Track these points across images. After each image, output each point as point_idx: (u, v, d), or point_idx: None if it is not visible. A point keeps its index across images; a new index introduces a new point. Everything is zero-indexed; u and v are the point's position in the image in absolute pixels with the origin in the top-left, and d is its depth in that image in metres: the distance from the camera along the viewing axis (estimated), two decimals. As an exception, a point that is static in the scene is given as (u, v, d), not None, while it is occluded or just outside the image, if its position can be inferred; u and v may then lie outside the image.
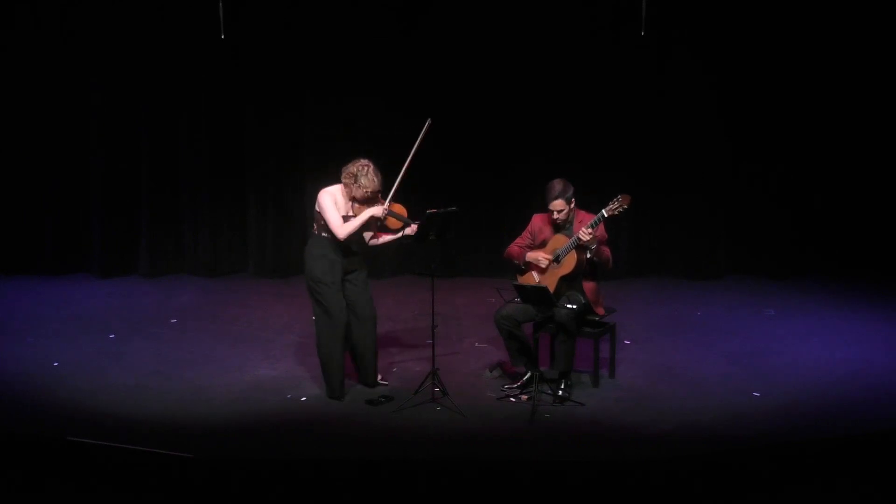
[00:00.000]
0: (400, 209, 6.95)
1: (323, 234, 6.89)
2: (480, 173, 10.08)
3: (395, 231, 6.99)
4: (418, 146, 6.86)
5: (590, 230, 6.78)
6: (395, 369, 7.48)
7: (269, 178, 10.43)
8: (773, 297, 9.47)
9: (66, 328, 8.59)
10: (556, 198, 6.96)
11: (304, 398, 6.99)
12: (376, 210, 6.84)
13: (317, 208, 6.88)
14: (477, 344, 8.15)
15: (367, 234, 7.00)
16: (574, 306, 6.85)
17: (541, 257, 7.04)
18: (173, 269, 10.54)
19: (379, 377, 7.20)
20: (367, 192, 6.79)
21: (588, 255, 6.92)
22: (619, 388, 7.16)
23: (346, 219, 6.83)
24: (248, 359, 7.82)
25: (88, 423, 6.48)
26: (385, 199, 6.88)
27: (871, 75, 9.82)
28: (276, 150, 10.36)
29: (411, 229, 6.86)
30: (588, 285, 7.06)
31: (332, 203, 6.83)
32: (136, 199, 10.41)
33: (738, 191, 10.17)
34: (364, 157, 6.85)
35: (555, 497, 5.67)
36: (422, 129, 6.86)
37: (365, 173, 6.78)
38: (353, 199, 6.85)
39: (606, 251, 7.01)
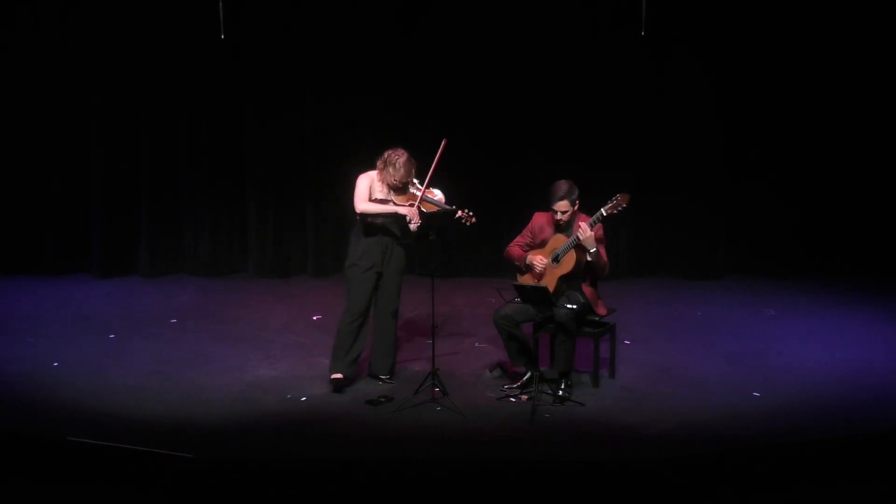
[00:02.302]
0: (436, 194, 7.04)
1: (360, 219, 7.01)
2: (481, 173, 10.08)
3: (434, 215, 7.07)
4: (437, 161, 6.94)
5: (588, 228, 6.76)
6: (395, 368, 7.47)
7: (269, 179, 10.43)
8: (773, 297, 9.47)
9: (66, 328, 8.59)
10: (562, 199, 6.94)
11: (304, 398, 6.99)
12: (404, 210, 6.92)
13: None
14: (477, 344, 8.14)
15: (413, 225, 7.09)
16: (574, 306, 6.85)
17: (537, 261, 7.03)
18: (173, 270, 10.54)
19: (385, 377, 7.22)
20: (395, 179, 6.90)
21: (588, 258, 6.90)
22: (619, 388, 7.16)
23: (381, 202, 6.97)
24: (248, 359, 7.82)
25: (88, 423, 6.48)
26: (419, 187, 6.97)
27: (871, 75, 9.82)
28: (276, 150, 10.35)
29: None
30: (586, 289, 7.04)
31: (366, 184, 7.01)
32: (136, 199, 10.41)
33: (738, 191, 10.17)
34: (401, 147, 7.00)
35: (555, 497, 5.67)
36: (439, 148, 6.94)
37: (396, 160, 6.92)
38: (388, 186, 6.97)
39: (604, 256, 6.98)
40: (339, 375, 7.02)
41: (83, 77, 10.17)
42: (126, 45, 10.07)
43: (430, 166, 6.95)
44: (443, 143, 6.90)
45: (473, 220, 6.97)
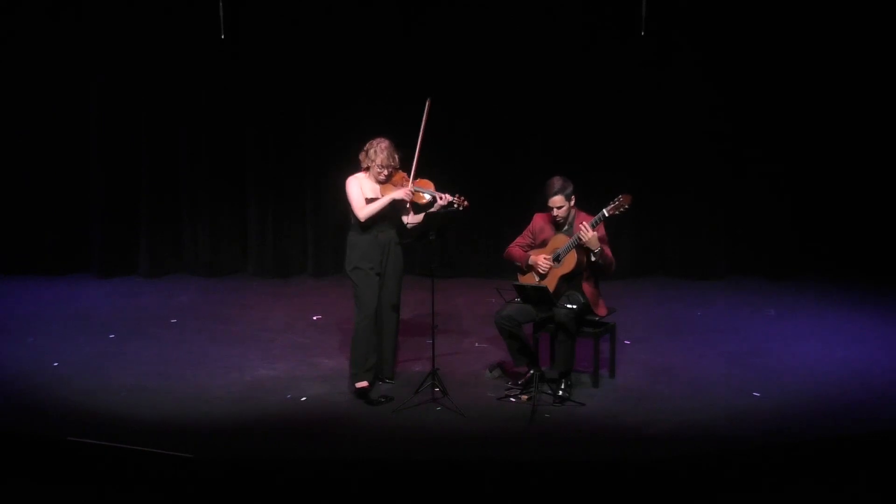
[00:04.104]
0: (425, 183, 6.98)
1: (357, 223, 6.93)
2: (480, 173, 10.08)
3: (426, 207, 6.97)
4: (425, 125, 6.86)
5: (590, 228, 6.75)
6: (395, 369, 7.47)
7: (269, 179, 10.42)
8: (773, 297, 9.47)
9: (66, 328, 8.59)
10: (556, 194, 6.93)
11: (304, 398, 6.99)
12: (399, 193, 6.86)
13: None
14: (477, 344, 8.14)
15: (404, 218, 7.04)
16: (574, 306, 6.85)
17: (541, 261, 7.02)
18: (173, 269, 10.55)
19: (385, 377, 7.21)
20: (380, 167, 6.84)
21: (592, 259, 6.89)
22: (619, 388, 7.16)
23: (371, 202, 6.89)
24: (248, 359, 7.82)
25: (88, 423, 6.47)
26: (408, 179, 6.91)
27: (871, 75, 9.82)
28: (277, 150, 10.36)
29: (443, 199, 6.87)
30: (587, 288, 7.03)
31: (357, 187, 6.90)
32: (136, 199, 10.41)
33: (739, 191, 10.17)
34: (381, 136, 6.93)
35: (555, 497, 5.67)
36: (424, 111, 6.87)
37: (377, 145, 6.85)
38: (377, 182, 6.91)
39: (609, 255, 6.97)
40: (364, 384, 6.94)
41: (83, 78, 10.17)
42: (126, 45, 10.07)
43: (418, 143, 6.87)
44: (427, 104, 6.83)
45: (466, 203, 6.91)
